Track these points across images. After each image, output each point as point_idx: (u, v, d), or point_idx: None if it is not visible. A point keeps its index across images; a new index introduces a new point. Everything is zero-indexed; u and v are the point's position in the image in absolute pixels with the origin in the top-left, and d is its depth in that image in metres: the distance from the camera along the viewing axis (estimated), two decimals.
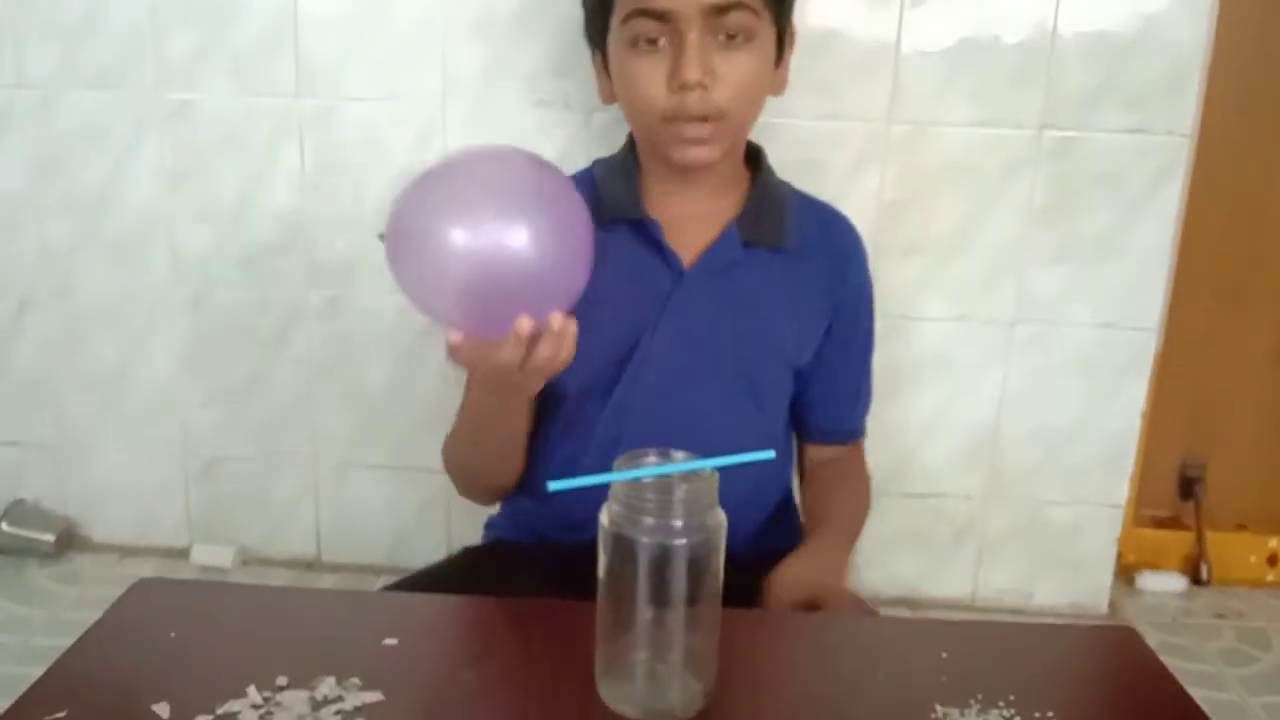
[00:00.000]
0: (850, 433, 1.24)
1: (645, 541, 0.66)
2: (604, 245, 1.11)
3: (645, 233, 1.11)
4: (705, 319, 1.11)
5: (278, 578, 1.82)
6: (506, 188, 0.85)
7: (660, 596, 0.68)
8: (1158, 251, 1.62)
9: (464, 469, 1.16)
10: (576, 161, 1.54)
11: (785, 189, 1.18)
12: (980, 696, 0.73)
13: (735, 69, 1.03)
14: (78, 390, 1.82)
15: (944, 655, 0.78)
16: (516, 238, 0.83)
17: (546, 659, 0.76)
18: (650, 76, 1.03)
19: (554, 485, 0.66)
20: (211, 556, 1.84)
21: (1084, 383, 1.69)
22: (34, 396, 1.83)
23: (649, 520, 0.66)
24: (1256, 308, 1.87)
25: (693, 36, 1.00)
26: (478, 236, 0.82)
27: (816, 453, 1.23)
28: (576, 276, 0.90)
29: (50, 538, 1.84)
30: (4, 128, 1.70)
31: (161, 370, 1.79)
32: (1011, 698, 0.73)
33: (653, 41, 1.02)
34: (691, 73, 1.00)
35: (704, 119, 1.03)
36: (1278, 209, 1.81)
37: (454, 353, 0.88)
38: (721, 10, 1.00)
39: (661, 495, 0.66)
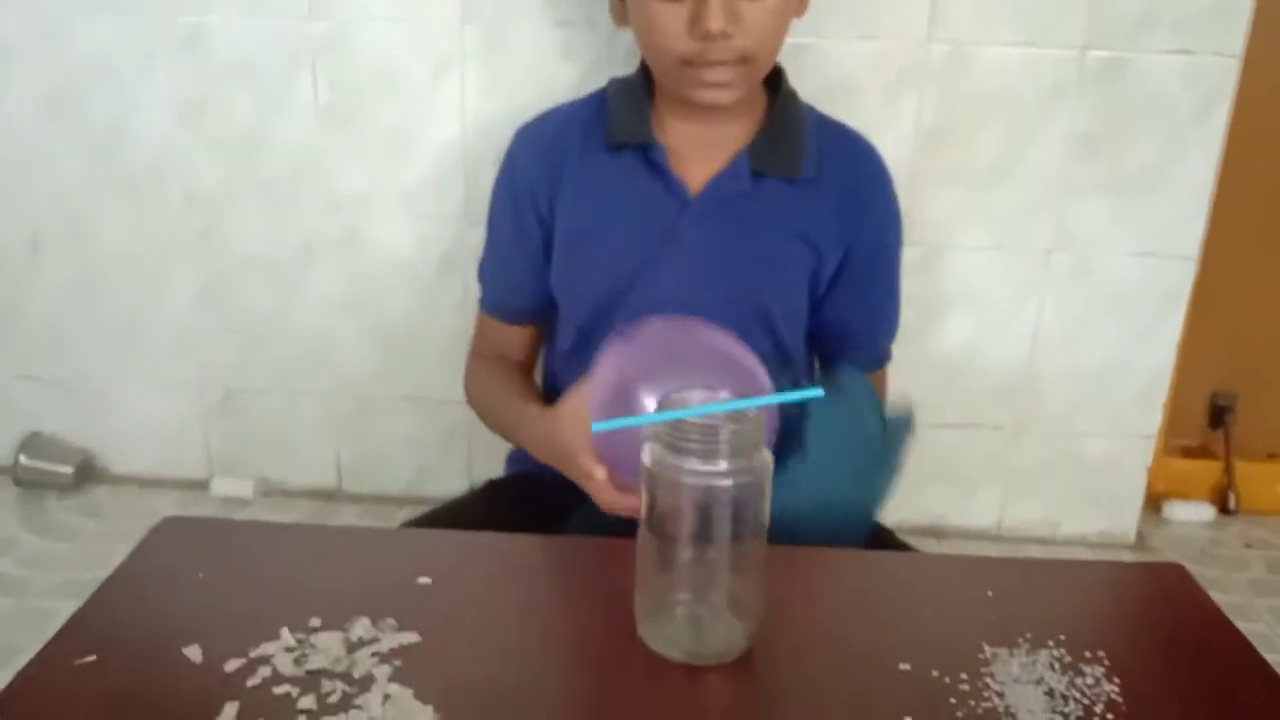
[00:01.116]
0: (874, 358, 1.22)
1: (690, 483, 0.64)
2: (610, 169, 1.10)
3: (651, 158, 1.08)
4: (710, 247, 1.09)
5: (298, 509, 1.82)
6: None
7: (704, 539, 0.66)
8: (1201, 179, 1.57)
9: (495, 428, 1.19)
10: (599, 83, 1.50)
11: (805, 113, 1.14)
12: (1029, 636, 0.72)
13: (762, 15, 0.98)
14: (95, 326, 1.79)
15: (989, 594, 0.77)
16: None
17: (584, 599, 0.75)
18: (671, 21, 0.98)
19: (598, 426, 0.64)
20: (231, 488, 1.84)
21: (1119, 315, 1.65)
22: (51, 333, 1.81)
23: (694, 461, 0.64)
24: None
25: None
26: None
27: None
28: None
29: (68, 470, 1.83)
30: (11, 60, 1.65)
31: (179, 305, 1.76)
32: (1061, 637, 0.72)
33: None
34: (715, 23, 0.95)
35: (727, 64, 1.00)
36: None
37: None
38: None
39: (707, 436, 0.64)
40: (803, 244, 1.11)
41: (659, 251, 1.08)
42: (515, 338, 1.22)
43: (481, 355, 1.24)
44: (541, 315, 1.20)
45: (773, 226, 1.10)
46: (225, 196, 1.69)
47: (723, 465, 0.64)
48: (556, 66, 1.55)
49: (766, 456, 0.66)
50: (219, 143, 1.66)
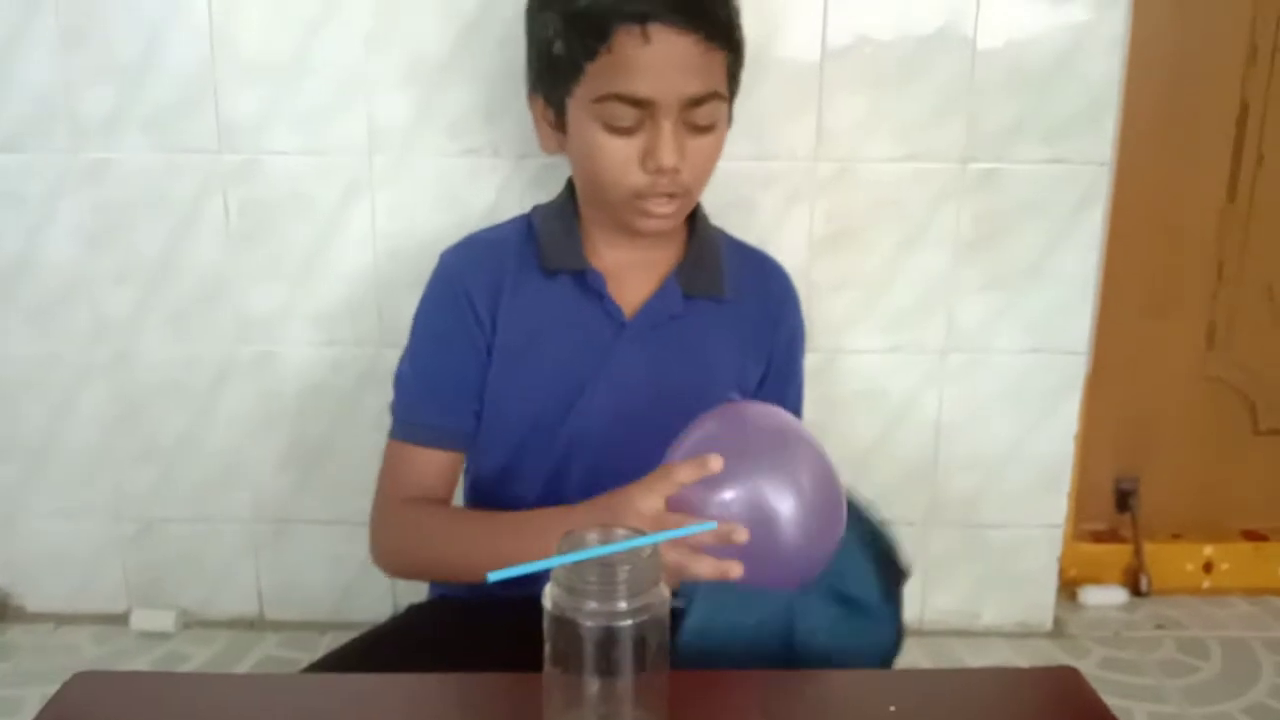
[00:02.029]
0: None
1: (590, 625, 0.66)
2: (547, 293, 1.13)
3: (586, 283, 1.12)
4: (646, 369, 1.13)
5: (220, 640, 1.78)
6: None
7: (607, 677, 0.67)
8: (1083, 276, 1.66)
9: (442, 572, 1.13)
10: (508, 209, 1.54)
11: (720, 237, 1.21)
12: None
13: (702, 152, 1.06)
14: (3, 457, 1.76)
15: (892, 709, 0.79)
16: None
17: None
18: (624, 155, 1.04)
19: (494, 576, 0.66)
20: (151, 621, 1.80)
21: (1017, 407, 1.71)
22: None
23: (592, 604, 0.66)
24: (1180, 323, 1.91)
25: (668, 124, 1.01)
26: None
27: None
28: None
29: None
30: None
31: (90, 433, 1.75)
32: None
33: (627, 125, 1.03)
34: (669, 159, 1.02)
35: (673, 196, 1.06)
36: (1195, 228, 1.86)
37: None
38: (698, 101, 1.02)
39: (604, 577, 0.66)
40: (731, 361, 1.17)
41: (596, 373, 1.12)
42: (438, 466, 1.13)
43: (396, 498, 1.13)
44: (468, 438, 1.16)
45: (704, 346, 1.15)
46: (135, 322, 1.69)
47: (621, 605, 0.66)
48: (464, 192, 1.60)
49: (664, 592, 0.68)
50: (128, 270, 1.66)
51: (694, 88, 1.02)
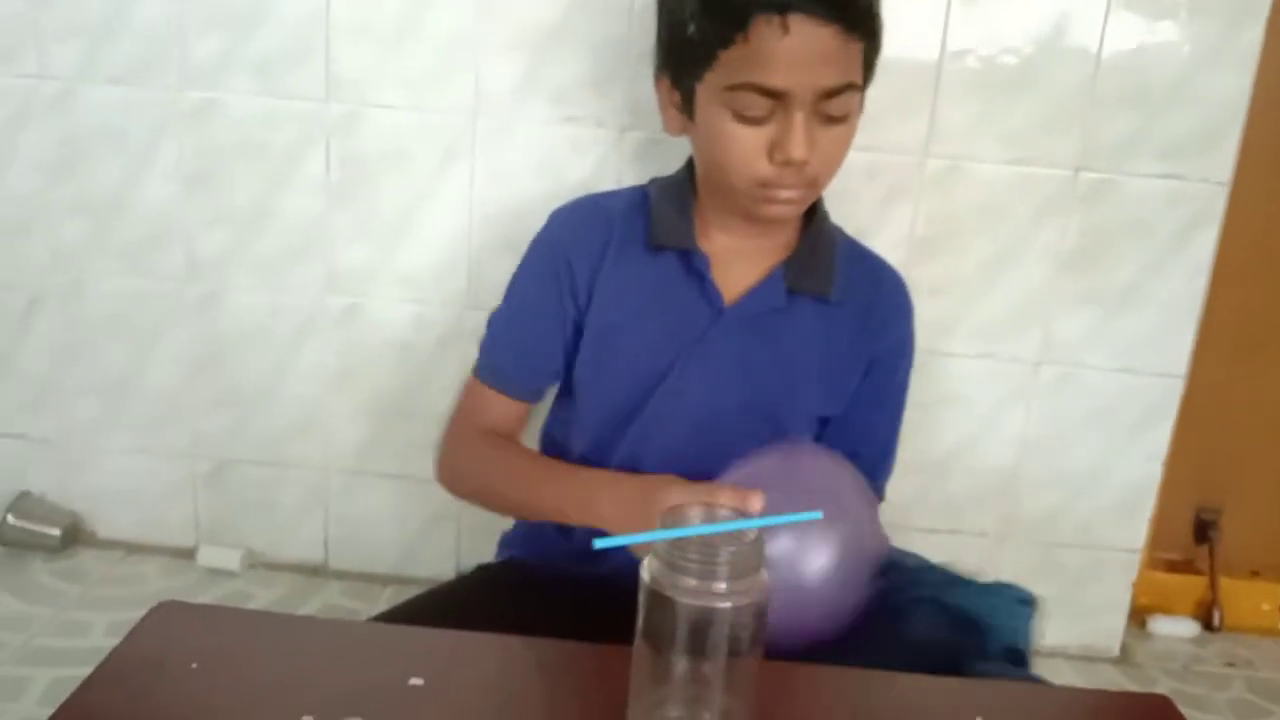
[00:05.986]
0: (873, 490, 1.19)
1: (687, 603, 0.65)
2: (649, 268, 1.11)
3: (692, 264, 1.10)
4: (736, 360, 1.10)
5: (284, 582, 1.81)
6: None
7: (699, 658, 0.66)
8: (1188, 299, 1.61)
9: (493, 502, 1.17)
10: (605, 181, 1.53)
11: (837, 235, 1.17)
12: None
13: (834, 143, 1.03)
14: (87, 389, 1.80)
15: (978, 719, 0.77)
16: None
17: (576, 708, 0.75)
18: (752, 145, 1.01)
19: (599, 543, 0.65)
20: (218, 559, 1.83)
21: (1106, 427, 1.67)
22: (42, 393, 1.81)
23: (691, 581, 0.65)
24: (1278, 355, 1.85)
25: (800, 116, 0.99)
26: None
27: None
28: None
29: (56, 532, 1.82)
30: (22, 122, 1.67)
31: (172, 372, 1.77)
32: None
33: (758, 115, 1.00)
34: (799, 152, 0.99)
35: (798, 187, 1.04)
36: None
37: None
38: (833, 93, 0.99)
39: (706, 556, 0.65)
40: (824, 365, 1.13)
41: (687, 357, 1.10)
42: (508, 411, 1.18)
43: (469, 428, 1.19)
44: (540, 394, 1.19)
45: (798, 345, 1.11)
46: (226, 266, 1.71)
47: (721, 586, 0.65)
48: (564, 162, 1.59)
49: (764, 577, 0.67)
50: (224, 213, 1.68)
51: (830, 80, 0.98)
